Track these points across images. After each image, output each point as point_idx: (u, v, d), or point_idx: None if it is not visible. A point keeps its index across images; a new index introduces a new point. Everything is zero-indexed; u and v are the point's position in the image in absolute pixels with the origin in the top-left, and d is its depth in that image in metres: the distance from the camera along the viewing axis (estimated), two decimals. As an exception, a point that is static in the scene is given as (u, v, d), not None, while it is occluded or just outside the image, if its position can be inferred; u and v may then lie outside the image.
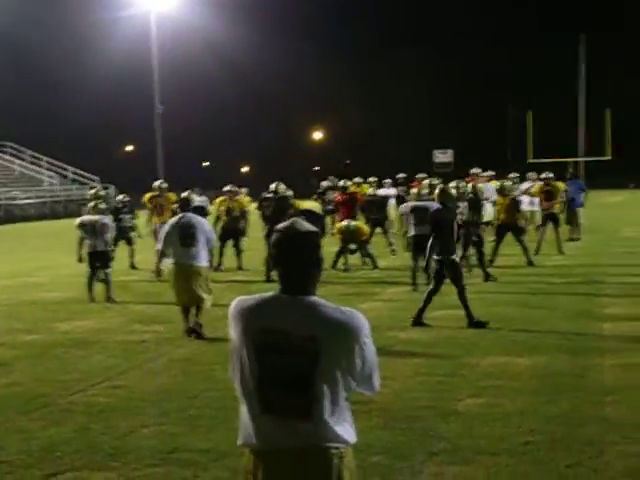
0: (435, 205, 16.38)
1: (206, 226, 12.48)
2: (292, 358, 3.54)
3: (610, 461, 6.59)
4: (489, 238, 19.09)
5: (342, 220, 19.52)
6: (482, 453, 6.84)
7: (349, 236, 18.97)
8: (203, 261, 12.22)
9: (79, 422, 8.02)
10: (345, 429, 3.69)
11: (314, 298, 3.65)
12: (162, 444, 7.28)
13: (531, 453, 6.81)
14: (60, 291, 17.42)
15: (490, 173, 27.17)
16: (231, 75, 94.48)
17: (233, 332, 3.75)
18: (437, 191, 13.41)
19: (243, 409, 3.73)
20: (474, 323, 12.10)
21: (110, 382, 9.57)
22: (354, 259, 19.92)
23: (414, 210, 16.31)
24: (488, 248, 18.51)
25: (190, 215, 12.47)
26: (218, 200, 21.21)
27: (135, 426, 7.82)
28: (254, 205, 21.85)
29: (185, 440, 7.36)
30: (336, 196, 22.91)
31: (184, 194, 13.53)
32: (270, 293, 3.73)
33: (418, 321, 12.38)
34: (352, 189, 21.87)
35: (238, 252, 20.16)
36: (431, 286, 12.61)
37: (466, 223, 16.88)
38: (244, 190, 32.67)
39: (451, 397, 8.46)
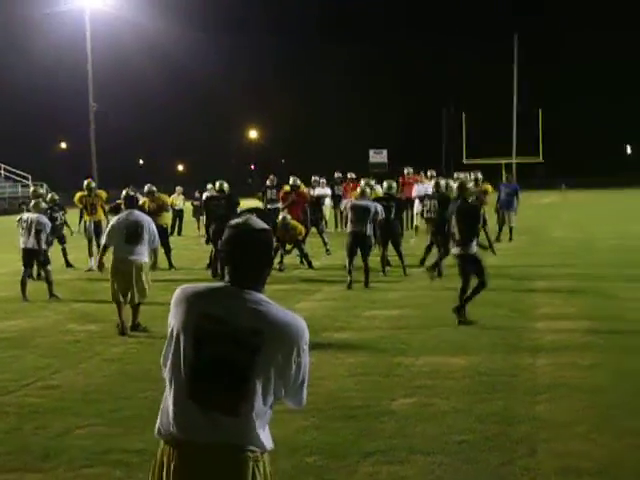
0: (374, 204, 16.70)
1: (152, 225, 12.48)
2: (231, 349, 3.51)
3: (542, 460, 6.67)
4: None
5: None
6: (416, 452, 6.88)
7: (285, 233, 18.95)
8: (145, 257, 12.24)
9: (11, 423, 7.93)
10: (266, 434, 3.66)
11: (262, 295, 3.65)
12: (96, 445, 7.21)
13: (464, 452, 6.87)
14: (-7, 290, 17.21)
15: (431, 173, 27.41)
16: (166, 72, 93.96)
17: (173, 317, 3.70)
18: (456, 185, 13.39)
19: (167, 396, 3.67)
20: (463, 321, 12.27)
21: (43, 382, 9.46)
22: (289, 258, 19.93)
23: (354, 208, 16.51)
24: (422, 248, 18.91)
25: (137, 213, 12.58)
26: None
27: (69, 427, 7.74)
28: (187, 204, 21.82)
29: (119, 441, 7.30)
30: (282, 195, 22.92)
31: (124, 192, 13.53)
32: (219, 283, 3.73)
33: (463, 320, 12.31)
34: (294, 188, 22.01)
35: (166, 250, 19.97)
36: (460, 285, 12.53)
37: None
38: (179, 189, 32.66)
39: (386, 397, 8.50)
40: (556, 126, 76.89)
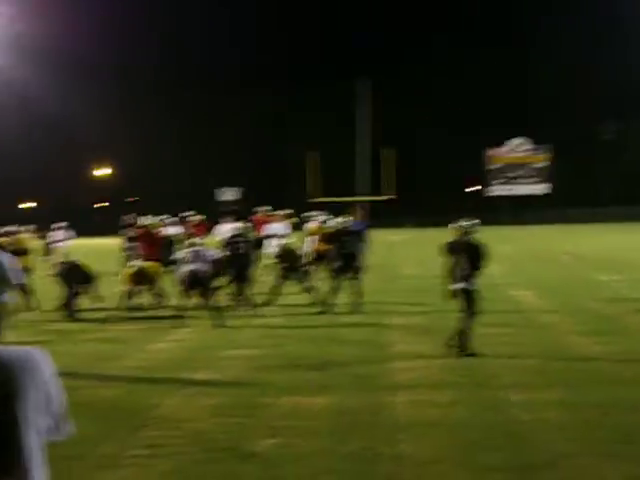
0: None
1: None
2: None
3: (407, 498, 6.73)
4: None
5: (143, 258, 19.60)
6: (282, 495, 6.85)
7: (142, 278, 18.86)
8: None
9: None
10: None
11: None
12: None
13: (330, 493, 6.87)
14: None
15: (286, 212, 27.56)
16: (17, 108, 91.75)
17: None
18: (456, 225, 13.19)
19: None
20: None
21: None
22: (143, 298, 19.69)
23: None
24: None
25: None
26: None
27: None
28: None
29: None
30: (136, 234, 22.68)
31: None
32: None
33: (467, 352, 12.63)
34: (150, 227, 21.82)
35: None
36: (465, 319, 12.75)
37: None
38: (23, 228, 31.90)
39: (249, 438, 8.42)
40: (406, 164, 78.43)
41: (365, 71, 72.48)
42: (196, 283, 16.71)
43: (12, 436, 3.21)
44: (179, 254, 17.95)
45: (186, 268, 16.75)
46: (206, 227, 29.63)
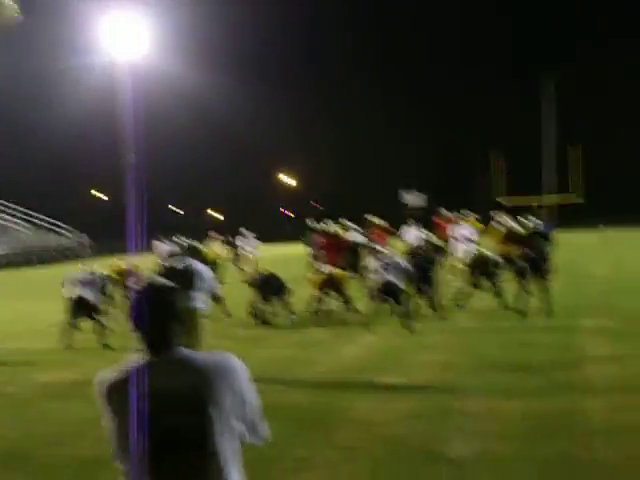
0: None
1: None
2: (180, 416, 3.38)
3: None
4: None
5: (329, 264, 19.84)
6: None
7: (331, 284, 19.04)
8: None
9: (67, 476, 7.89)
10: None
11: (183, 350, 3.53)
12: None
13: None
14: (38, 341, 17.28)
15: (474, 215, 27.45)
16: (203, 122, 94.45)
17: (108, 411, 3.53)
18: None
19: None
20: None
21: (94, 433, 9.42)
22: (332, 304, 19.87)
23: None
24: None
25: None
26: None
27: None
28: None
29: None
30: (322, 240, 22.92)
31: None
32: (136, 359, 3.55)
33: None
34: (334, 234, 22.04)
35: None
36: None
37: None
38: (215, 234, 32.93)
39: (442, 441, 8.38)
40: (595, 162, 76.20)
41: (550, 68, 70.99)
42: (390, 294, 16.78)
43: (207, 440, 3.38)
44: (370, 264, 18.04)
45: (380, 279, 16.80)
46: (389, 232, 29.63)
